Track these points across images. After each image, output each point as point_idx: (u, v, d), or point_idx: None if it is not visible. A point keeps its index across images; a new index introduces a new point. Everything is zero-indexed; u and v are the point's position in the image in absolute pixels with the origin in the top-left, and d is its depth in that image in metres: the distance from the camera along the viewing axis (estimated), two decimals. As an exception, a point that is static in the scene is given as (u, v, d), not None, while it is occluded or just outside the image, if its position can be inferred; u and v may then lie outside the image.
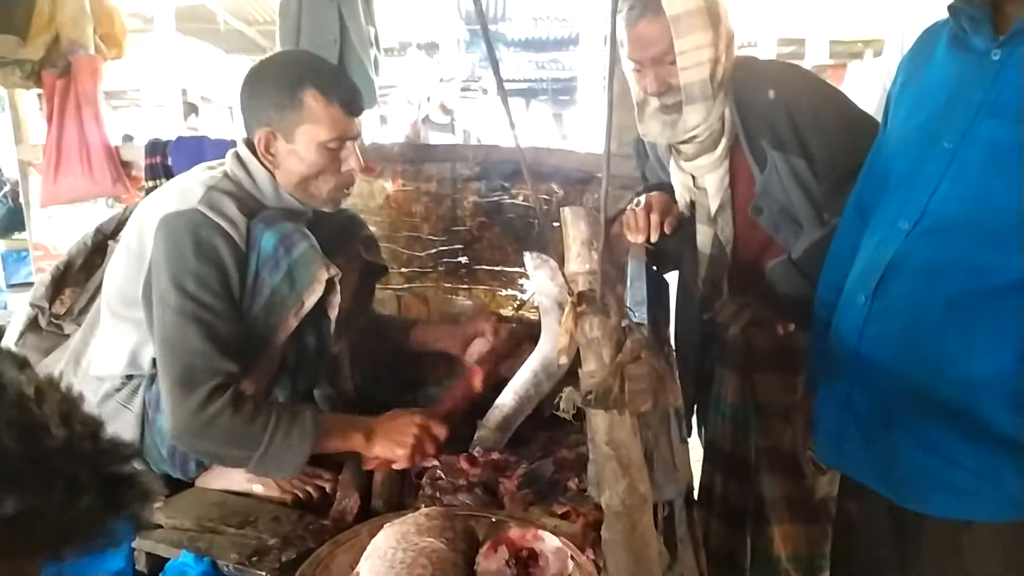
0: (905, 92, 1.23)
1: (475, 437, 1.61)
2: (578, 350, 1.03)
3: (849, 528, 1.39)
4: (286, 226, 1.40)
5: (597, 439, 1.02)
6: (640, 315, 1.17)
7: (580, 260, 1.00)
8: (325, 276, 1.39)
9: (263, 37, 8.84)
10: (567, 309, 0.98)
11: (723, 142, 1.56)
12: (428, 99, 5.23)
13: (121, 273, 1.45)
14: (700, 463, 1.94)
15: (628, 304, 1.22)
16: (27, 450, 0.45)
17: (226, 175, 1.43)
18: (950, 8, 1.13)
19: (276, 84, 1.41)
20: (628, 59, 1.54)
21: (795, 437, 1.48)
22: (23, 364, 0.48)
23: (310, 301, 1.39)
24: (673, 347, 1.77)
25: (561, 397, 0.99)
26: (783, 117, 1.47)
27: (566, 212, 1.00)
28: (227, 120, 10.60)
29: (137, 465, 0.54)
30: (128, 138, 9.14)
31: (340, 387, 1.69)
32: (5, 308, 5.06)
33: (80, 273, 1.93)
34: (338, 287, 1.43)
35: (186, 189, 1.38)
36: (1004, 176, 1.01)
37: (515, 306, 2.26)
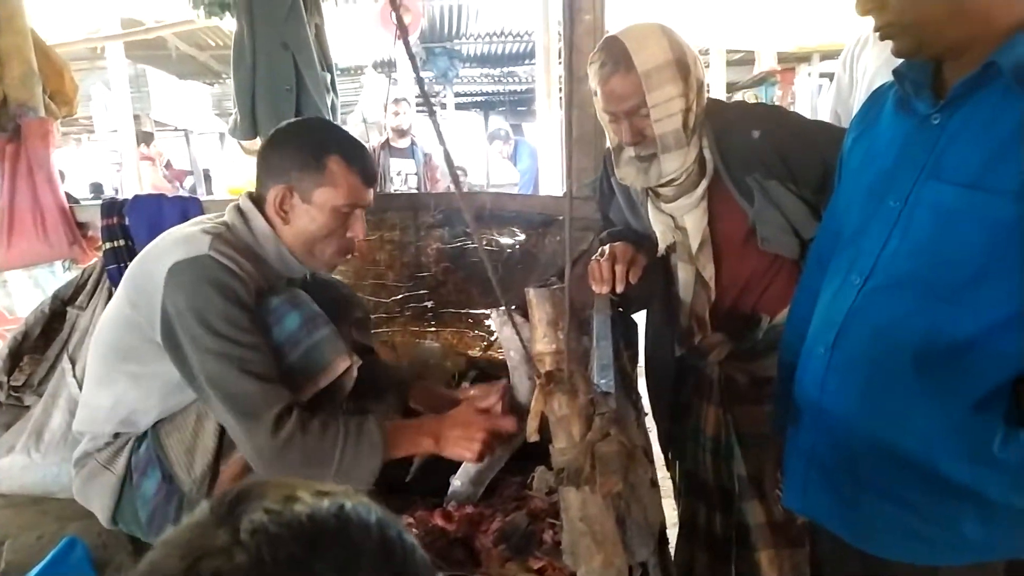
0: (854, 150, 1.27)
1: (449, 491, 1.62)
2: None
3: (821, 569, 1.41)
4: (310, 309, 1.43)
5: (571, 514, 1.03)
6: (607, 381, 1.19)
7: (547, 340, 1.01)
8: (344, 365, 1.43)
9: (216, 62, 8.74)
10: (536, 391, 1.00)
11: (703, 183, 1.60)
12: (385, 108, 5.23)
13: (121, 328, 1.43)
14: (672, 498, 1.97)
15: (594, 367, 1.24)
16: None
17: (227, 226, 1.44)
18: (894, 72, 1.16)
19: (302, 145, 1.45)
20: (603, 112, 1.58)
21: (766, 477, 1.51)
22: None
23: (323, 382, 1.42)
24: (642, 389, 1.80)
25: (534, 476, 1.01)
26: (771, 151, 1.53)
27: (531, 294, 1.02)
28: (183, 145, 10.47)
29: None
30: (97, 187, 8.99)
31: None
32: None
33: (39, 341, 1.90)
34: (354, 373, 1.46)
35: (191, 236, 1.39)
36: (950, 236, 1.04)
37: (483, 347, 2.27)
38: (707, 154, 1.59)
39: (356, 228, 1.49)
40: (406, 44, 0.73)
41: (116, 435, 1.46)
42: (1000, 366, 1.04)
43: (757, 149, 1.54)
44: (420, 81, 0.71)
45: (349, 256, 1.58)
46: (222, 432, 1.41)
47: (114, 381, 1.45)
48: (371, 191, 1.52)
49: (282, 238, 1.46)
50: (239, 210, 1.47)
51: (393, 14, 2.99)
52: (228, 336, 1.31)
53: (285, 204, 1.44)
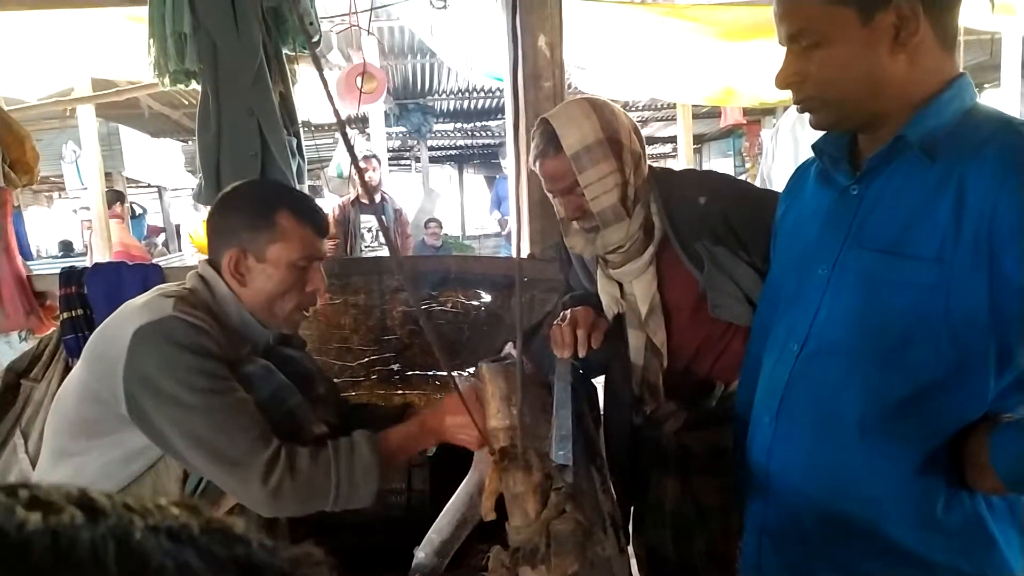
0: (785, 220, 1.31)
1: (413, 564, 1.58)
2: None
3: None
4: (279, 380, 1.44)
5: (528, 595, 1.01)
6: (565, 454, 1.18)
7: (500, 416, 1.01)
8: (313, 435, 1.42)
9: (190, 120, 8.78)
10: (489, 468, 0.99)
11: (650, 248, 1.60)
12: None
13: (83, 401, 1.39)
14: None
15: (552, 437, 1.23)
16: None
17: (189, 291, 1.44)
18: (813, 147, 1.21)
19: (250, 206, 1.45)
20: (544, 189, 1.61)
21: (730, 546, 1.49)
22: None
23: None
24: (605, 456, 1.77)
25: (489, 556, 0.99)
26: (718, 218, 1.54)
27: (484, 369, 1.01)
28: (155, 201, 10.45)
29: None
30: (66, 245, 8.93)
31: None
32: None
33: (-9, 414, 1.85)
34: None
35: (151, 301, 1.38)
36: (874, 301, 1.06)
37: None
38: (656, 220, 1.59)
39: (315, 281, 1.49)
40: (342, 130, 0.73)
41: None
42: (936, 428, 1.05)
43: (704, 215, 1.55)
44: (354, 156, 0.72)
45: (311, 311, 1.57)
46: None
47: (75, 453, 1.41)
48: (324, 242, 1.52)
49: (242, 301, 1.46)
50: (200, 276, 1.47)
51: (359, 78, 3.04)
52: (206, 388, 1.30)
53: (240, 267, 1.44)
